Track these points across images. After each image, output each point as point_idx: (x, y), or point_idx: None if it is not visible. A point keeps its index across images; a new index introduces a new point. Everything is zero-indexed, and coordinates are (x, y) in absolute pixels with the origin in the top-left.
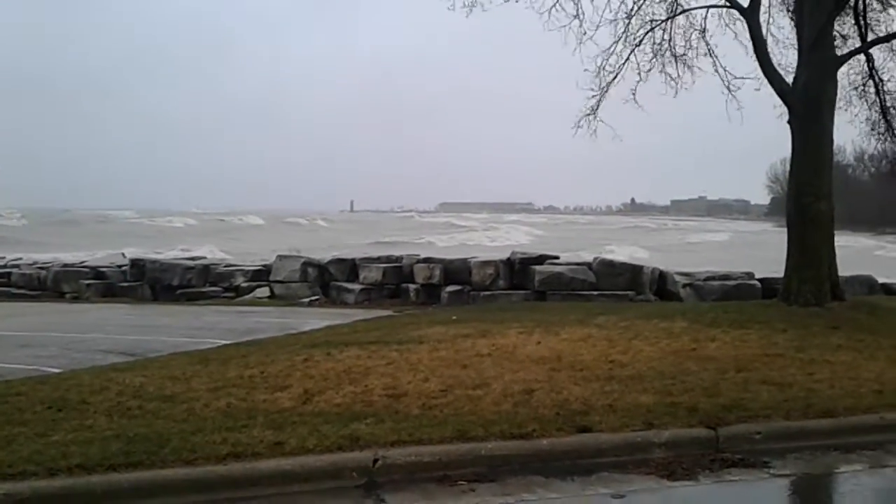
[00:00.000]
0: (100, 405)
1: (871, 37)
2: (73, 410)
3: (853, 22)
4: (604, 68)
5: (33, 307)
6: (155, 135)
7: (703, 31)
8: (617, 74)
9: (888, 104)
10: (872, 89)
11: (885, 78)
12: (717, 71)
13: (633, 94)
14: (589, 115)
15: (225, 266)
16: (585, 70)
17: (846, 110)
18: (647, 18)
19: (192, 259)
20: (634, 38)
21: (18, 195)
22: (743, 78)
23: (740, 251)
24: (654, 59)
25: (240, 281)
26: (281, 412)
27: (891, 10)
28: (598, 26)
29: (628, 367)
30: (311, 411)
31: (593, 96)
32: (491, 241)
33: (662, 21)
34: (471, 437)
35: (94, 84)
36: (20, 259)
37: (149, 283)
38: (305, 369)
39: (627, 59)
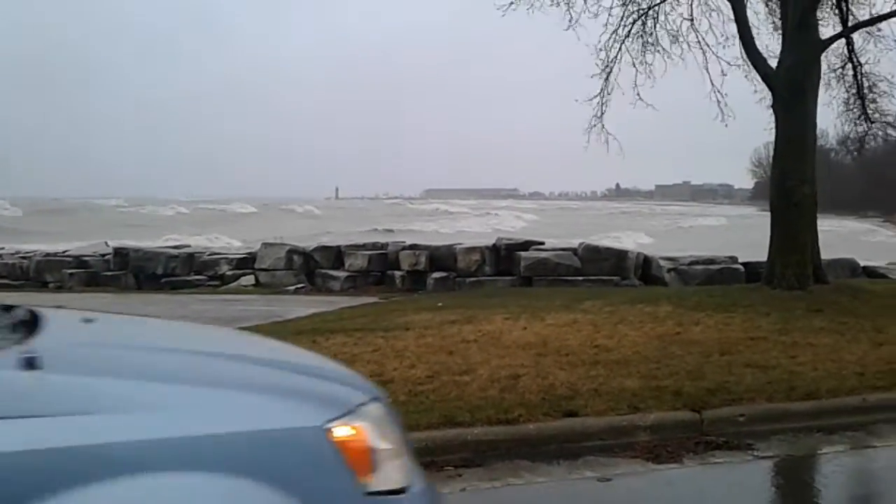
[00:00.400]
0: None
1: (851, 20)
2: None
3: (834, 5)
4: (601, 54)
5: (15, 297)
6: (136, 121)
7: (691, 18)
8: (609, 72)
9: (865, 87)
10: (851, 72)
11: (863, 61)
12: (705, 58)
13: (638, 94)
14: (594, 126)
15: (209, 254)
16: (591, 51)
17: (825, 92)
18: (634, 7)
19: (177, 247)
20: (623, 29)
21: (2, 183)
22: (731, 64)
23: (743, 234)
24: (642, 47)
25: (224, 269)
26: None
27: None
28: (581, 12)
29: (613, 352)
30: None
31: (594, 97)
32: (487, 228)
33: (648, 8)
34: (457, 423)
35: (81, 70)
36: (2, 248)
37: (132, 271)
38: None
39: (619, 50)
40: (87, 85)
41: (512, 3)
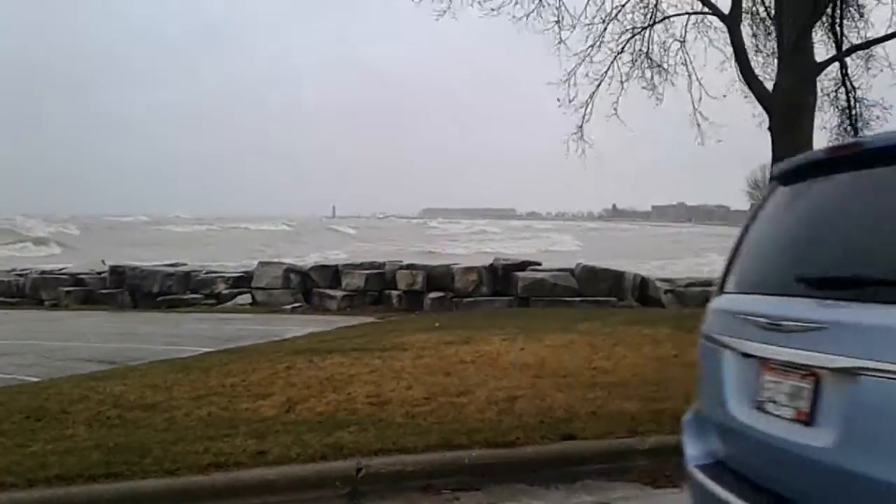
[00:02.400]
0: (79, 414)
1: (846, 44)
2: (52, 420)
3: (828, 29)
4: (574, 73)
5: (11, 315)
6: (124, 136)
7: (683, 41)
8: (599, 84)
9: (858, 111)
10: (844, 96)
11: (856, 85)
12: (689, 87)
13: (615, 109)
14: (575, 133)
15: (206, 273)
16: (565, 73)
17: (818, 116)
18: (628, 26)
19: (173, 265)
20: (617, 46)
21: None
22: (716, 98)
23: None
24: (632, 68)
25: (221, 288)
26: (263, 421)
27: (871, 15)
28: (573, 27)
29: (612, 374)
30: (294, 420)
31: (578, 110)
32: (532, 249)
33: (643, 28)
34: (455, 446)
35: (70, 83)
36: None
37: (129, 289)
38: (288, 377)
39: (609, 67)
40: (80, 101)
41: (493, 10)
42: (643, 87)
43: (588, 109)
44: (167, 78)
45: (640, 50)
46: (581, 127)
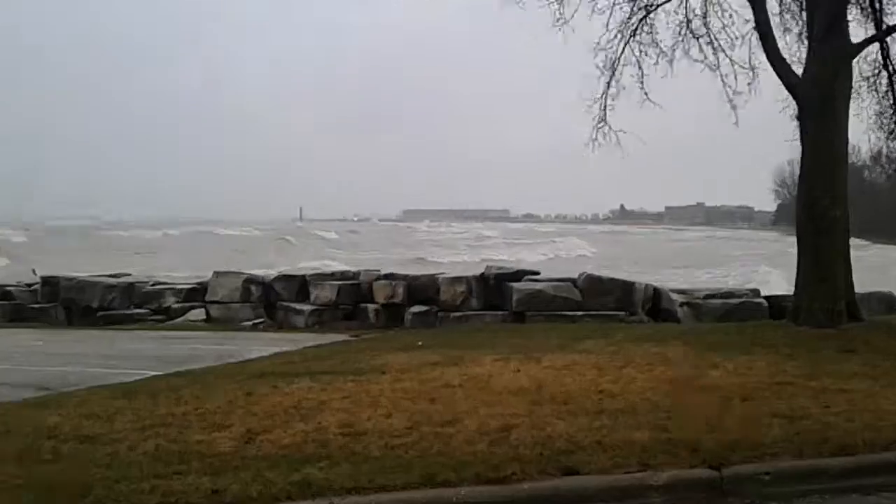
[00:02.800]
0: (8, 449)
1: (885, 24)
2: None
3: (867, 6)
4: (606, 67)
5: None
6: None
7: (705, 16)
8: (613, 72)
9: None
10: (885, 80)
11: None
12: (716, 57)
13: (646, 94)
14: (600, 124)
15: (152, 285)
16: (588, 50)
17: (854, 103)
18: (642, 4)
19: (115, 276)
20: (629, 29)
21: None
22: (751, 68)
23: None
24: (647, 46)
25: (170, 301)
26: (219, 455)
27: None
28: (592, 11)
29: (619, 399)
30: (255, 454)
31: (595, 101)
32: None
33: (658, 5)
34: (440, 482)
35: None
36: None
37: (63, 304)
38: (248, 405)
39: (622, 52)
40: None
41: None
42: (696, 61)
43: (603, 102)
44: (130, 70)
45: (653, 30)
46: (604, 119)
